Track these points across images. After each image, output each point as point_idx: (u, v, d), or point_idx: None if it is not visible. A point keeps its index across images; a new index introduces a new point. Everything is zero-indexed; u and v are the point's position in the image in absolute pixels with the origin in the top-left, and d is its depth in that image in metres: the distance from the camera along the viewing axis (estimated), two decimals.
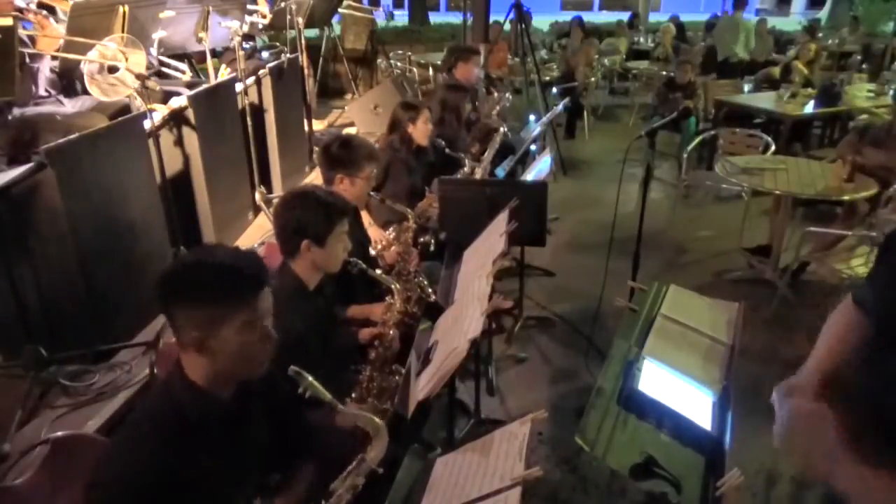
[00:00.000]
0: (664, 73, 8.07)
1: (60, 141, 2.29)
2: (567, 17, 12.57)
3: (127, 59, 2.73)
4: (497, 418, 2.73)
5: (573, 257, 4.37)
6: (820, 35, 9.63)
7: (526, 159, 4.15)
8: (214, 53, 4.56)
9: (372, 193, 2.72)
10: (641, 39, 11.79)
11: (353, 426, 1.47)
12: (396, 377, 2.10)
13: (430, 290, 2.45)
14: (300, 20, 5.01)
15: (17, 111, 2.82)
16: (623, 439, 1.32)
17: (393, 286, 2.23)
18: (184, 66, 3.55)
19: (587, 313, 3.41)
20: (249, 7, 4.75)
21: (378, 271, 2.30)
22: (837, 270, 3.30)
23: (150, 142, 2.83)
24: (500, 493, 1.15)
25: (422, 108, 3.43)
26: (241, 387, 1.36)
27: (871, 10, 13.14)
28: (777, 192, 3.72)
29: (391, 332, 2.18)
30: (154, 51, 3.53)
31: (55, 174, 2.25)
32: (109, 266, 2.52)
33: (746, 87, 7.19)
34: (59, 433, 1.76)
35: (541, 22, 12.76)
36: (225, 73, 4.20)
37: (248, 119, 3.79)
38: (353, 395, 2.04)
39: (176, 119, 3.22)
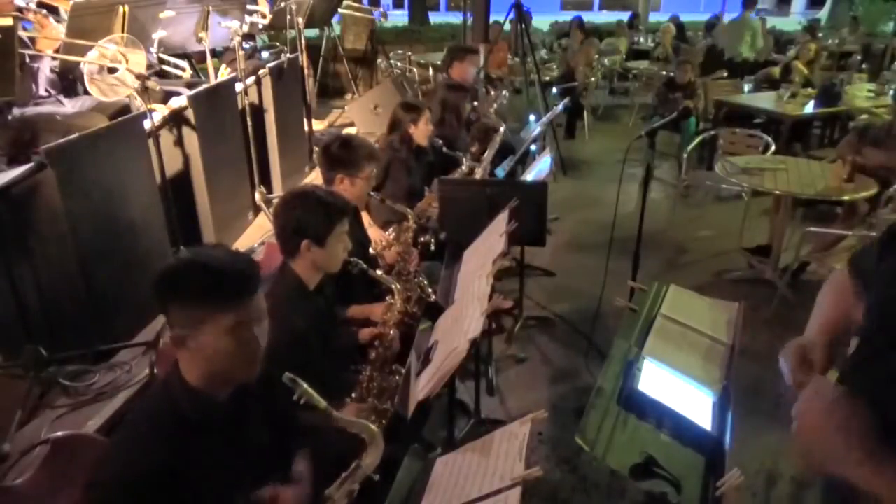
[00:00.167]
0: (664, 73, 8.08)
1: (60, 141, 2.29)
2: (567, 17, 12.57)
3: (128, 61, 2.74)
4: (497, 418, 2.73)
5: (573, 257, 4.38)
6: (820, 35, 9.64)
7: (526, 159, 4.15)
8: (214, 53, 4.56)
9: (372, 193, 2.72)
10: (641, 39, 11.79)
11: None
12: (396, 377, 2.10)
13: (430, 290, 2.45)
14: (300, 20, 5.01)
15: (17, 111, 2.82)
16: (623, 439, 1.32)
17: (393, 286, 2.23)
18: (184, 63, 3.55)
19: (587, 313, 3.41)
20: (249, 7, 4.75)
21: (378, 271, 2.30)
22: (837, 270, 3.29)
23: (150, 142, 2.83)
24: (500, 493, 1.15)
25: (423, 108, 3.44)
26: (239, 388, 1.36)
27: (871, 10, 13.15)
28: (777, 192, 3.72)
29: (391, 332, 2.18)
30: (154, 51, 3.53)
31: (55, 174, 2.25)
32: (109, 266, 2.52)
33: (746, 87, 7.19)
34: (59, 433, 1.76)
35: (541, 22, 12.77)
36: (225, 73, 4.20)
37: (248, 119, 3.79)
38: (353, 395, 2.04)
39: (176, 119, 3.22)
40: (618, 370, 1.54)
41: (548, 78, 7.80)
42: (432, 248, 3.06)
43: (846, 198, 3.66)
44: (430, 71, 7.62)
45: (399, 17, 16.85)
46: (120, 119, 2.78)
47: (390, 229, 3.07)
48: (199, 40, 3.92)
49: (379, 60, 8.26)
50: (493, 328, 3.16)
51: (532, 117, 5.33)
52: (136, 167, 2.75)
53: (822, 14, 15.87)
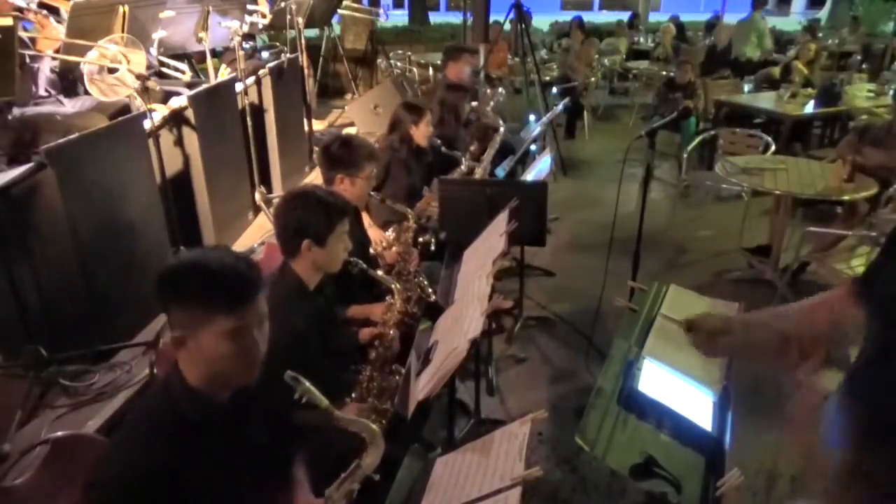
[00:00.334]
0: (664, 73, 8.08)
1: (60, 141, 2.29)
2: (567, 17, 12.57)
3: (129, 62, 2.74)
4: (497, 418, 2.73)
5: (573, 257, 4.38)
6: (820, 35, 9.63)
7: (526, 159, 4.16)
8: (214, 53, 4.56)
9: (372, 193, 2.72)
10: (641, 39, 11.79)
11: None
12: (396, 377, 2.10)
13: (430, 290, 2.46)
14: (300, 20, 5.01)
15: (17, 111, 2.82)
16: (623, 439, 1.32)
17: (393, 286, 2.23)
18: (184, 66, 3.55)
19: (587, 313, 3.41)
20: (249, 7, 4.75)
21: (378, 271, 2.30)
22: (837, 270, 3.29)
23: (150, 142, 2.83)
24: (500, 493, 1.15)
25: (425, 109, 3.44)
26: (239, 389, 1.36)
27: (871, 10, 13.14)
28: (777, 192, 3.72)
29: (391, 332, 2.18)
30: (154, 51, 3.53)
31: (55, 174, 2.25)
32: (109, 266, 2.52)
33: (746, 87, 7.19)
34: (59, 433, 1.76)
35: (541, 22, 12.77)
36: (225, 73, 4.20)
37: (248, 119, 3.79)
38: (353, 395, 2.04)
39: (176, 119, 3.22)
40: (618, 370, 1.54)
41: (548, 78, 7.79)
42: (432, 248, 3.06)
43: (846, 198, 3.66)
44: (430, 71, 7.62)
45: (399, 17, 16.86)
46: (120, 119, 2.78)
47: (390, 229, 3.07)
48: (199, 40, 3.92)
49: (379, 60, 8.27)
50: (493, 328, 3.16)
51: (532, 117, 5.34)
52: (136, 167, 2.75)
53: (822, 14, 15.87)
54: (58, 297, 2.39)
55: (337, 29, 7.95)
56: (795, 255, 3.61)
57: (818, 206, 4.63)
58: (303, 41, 5.08)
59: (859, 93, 6.31)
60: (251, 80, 4.10)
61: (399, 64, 7.99)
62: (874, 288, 1.14)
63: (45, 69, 3.13)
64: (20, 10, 2.82)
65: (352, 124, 5.84)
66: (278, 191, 4.33)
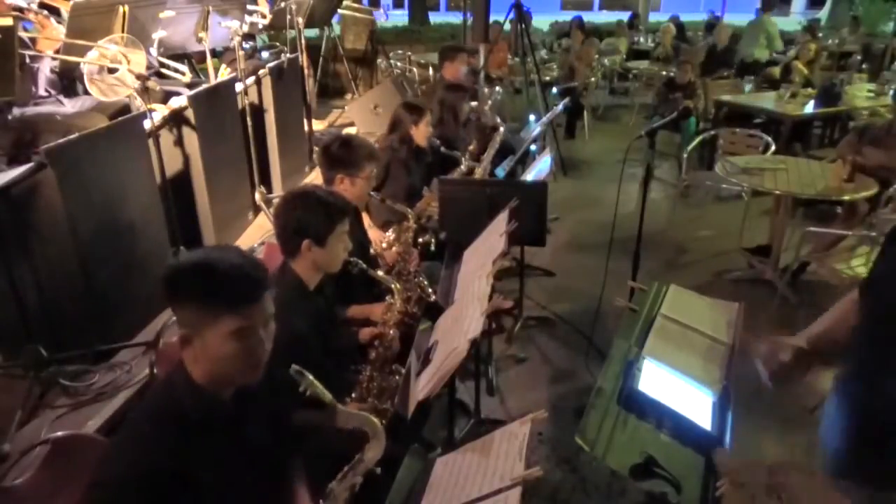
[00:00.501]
0: (664, 73, 8.08)
1: (60, 141, 2.29)
2: (567, 17, 12.57)
3: (129, 62, 2.74)
4: (497, 418, 2.73)
5: (573, 257, 4.38)
6: (820, 35, 9.63)
7: (526, 159, 4.16)
8: (214, 53, 4.56)
9: (372, 193, 2.72)
10: (641, 39, 11.78)
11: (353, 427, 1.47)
12: (396, 377, 2.10)
13: (430, 290, 2.45)
14: (300, 20, 5.01)
15: (17, 111, 2.82)
16: (623, 439, 1.32)
17: (393, 286, 2.23)
18: (184, 67, 3.55)
19: (587, 313, 3.41)
20: (249, 7, 4.75)
21: (378, 271, 2.30)
22: (837, 270, 3.30)
23: (150, 142, 2.83)
24: (500, 493, 1.15)
25: (426, 110, 3.44)
26: (241, 388, 1.36)
27: (871, 10, 13.14)
28: (777, 192, 3.72)
29: (391, 332, 2.18)
30: (154, 51, 3.53)
31: (55, 174, 2.25)
32: (109, 266, 2.52)
33: (746, 87, 7.19)
34: (59, 433, 1.76)
35: (541, 22, 12.77)
36: (225, 73, 4.20)
37: (248, 119, 3.79)
38: (353, 395, 2.04)
39: (176, 119, 3.22)
40: (618, 370, 1.55)
41: (548, 78, 7.79)
42: (432, 248, 3.06)
43: (846, 198, 3.66)
44: (430, 71, 7.62)
45: (399, 17, 16.86)
46: (120, 119, 2.78)
47: (390, 229, 3.07)
48: (199, 40, 3.92)
49: (379, 60, 8.26)
50: (493, 328, 3.16)
51: (532, 117, 5.34)
52: (136, 167, 2.75)
53: (822, 14, 15.86)
54: (58, 297, 2.39)
55: (337, 29, 7.94)
56: (795, 255, 3.61)
57: (818, 206, 4.64)
58: (303, 41, 5.08)
59: (859, 93, 6.31)
60: (251, 80, 4.10)
61: (399, 64, 7.99)
62: (871, 293, 1.14)
63: (45, 69, 3.13)
64: (20, 10, 2.82)
65: (352, 124, 5.85)
66: (278, 191, 4.33)
